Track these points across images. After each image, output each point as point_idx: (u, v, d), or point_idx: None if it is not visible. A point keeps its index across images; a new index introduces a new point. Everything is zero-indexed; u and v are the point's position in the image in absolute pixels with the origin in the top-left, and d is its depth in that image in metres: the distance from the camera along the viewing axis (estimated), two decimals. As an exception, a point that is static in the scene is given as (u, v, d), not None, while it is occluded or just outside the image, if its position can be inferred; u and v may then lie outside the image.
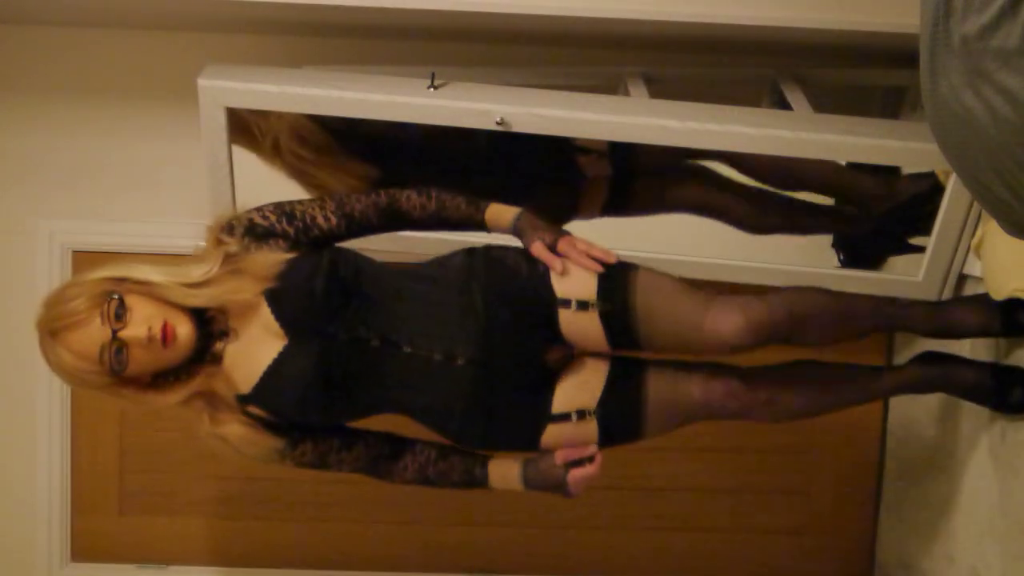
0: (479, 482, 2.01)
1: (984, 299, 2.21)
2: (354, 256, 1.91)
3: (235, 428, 1.85)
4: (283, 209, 1.87)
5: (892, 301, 2.23)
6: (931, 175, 2.45)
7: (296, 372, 1.82)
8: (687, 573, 3.00)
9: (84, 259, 2.82)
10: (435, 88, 2.22)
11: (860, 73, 2.72)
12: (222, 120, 2.22)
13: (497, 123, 2.17)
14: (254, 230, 1.84)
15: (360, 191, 2.29)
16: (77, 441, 2.90)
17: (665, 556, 2.99)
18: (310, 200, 1.90)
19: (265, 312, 1.82)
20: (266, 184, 2.41)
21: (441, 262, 1.97)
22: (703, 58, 2.76)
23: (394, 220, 1.96)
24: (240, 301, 1.80)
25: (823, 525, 2.98)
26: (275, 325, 1.82)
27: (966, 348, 2.32)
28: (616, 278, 1.92)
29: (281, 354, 1.82)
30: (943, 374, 2.20)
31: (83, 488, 2.92)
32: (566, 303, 1.90)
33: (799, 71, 2.57)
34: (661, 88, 2.51)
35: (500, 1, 2.26)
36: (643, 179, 2.54)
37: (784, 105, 2.48)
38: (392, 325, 1.86)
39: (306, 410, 1.85)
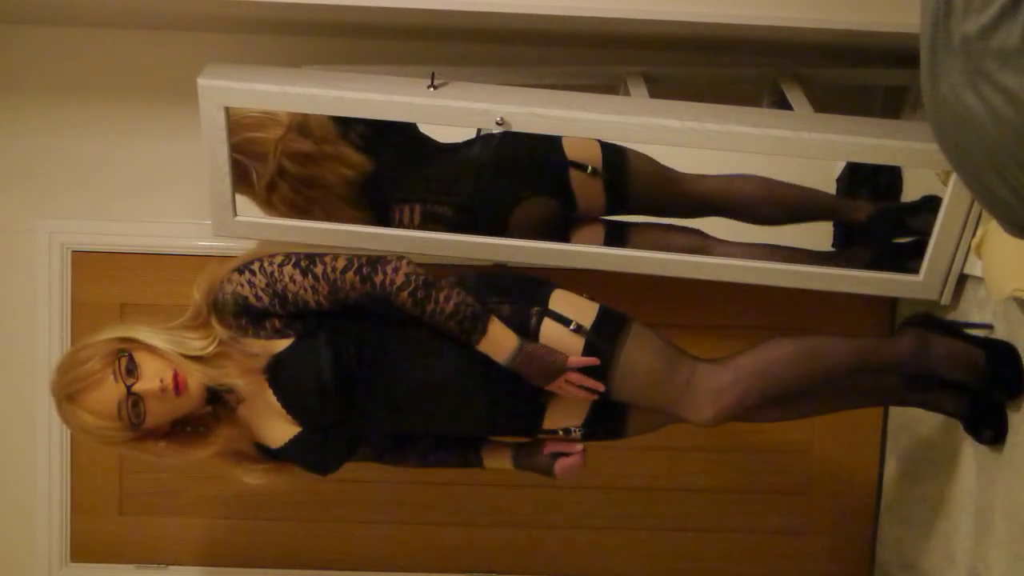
0: (474, 465, 2.15)
1: (972, 362, 2.19)
2: (353, 337, 1.88)
3: (263, 476, 1.99)
4: (276, 290, 1.83)
5: (876, 350, 2.19)
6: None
7: (316, 454, 1.97)
8: (687, 573, 3.00)
9: (84, 259, 2.83)
10: (435, 88, 2.22)
11: (860, 73, 2.72)
12: (222, 120, 2.22)
13: (497, 123, 2.17)
14: (249, 311, 1.84)
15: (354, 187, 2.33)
16: (77, 441, 2.89)
17: (665, 556, 2.99)
18: (302, 280, 1.83)
19: (271, 396, 1.89)
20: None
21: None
22: (703, 58, 2.76)
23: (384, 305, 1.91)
24: (238, 386, 1.85)
25: (823, 525, 2.98)
26: (284, 412, 1.90)
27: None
28: (600, 342, 1.95)
29: (296, 439, 1.93)
30: (924, 400, 2.31)
31: (83, 488, 2.92)
32: None
33: (799, 71, 2.57)
34: (661, 88, 2.51)
35: (500, 1, 2.26)
36: (639, 232, 2.54)
37: (784, 105, 2.48)
38: (399, 397, 1.93)
39: (328, 473, 2.04)
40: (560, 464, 2.05)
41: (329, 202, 2.40)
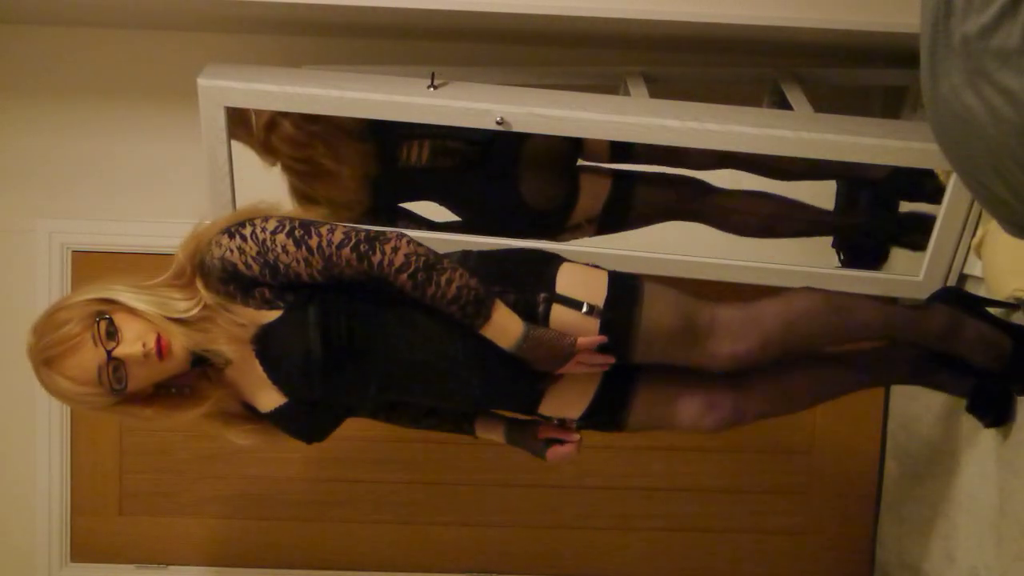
0: (466, 432, 2.10)
1: (998, 349, 2.14)
2: (344, 312, 1.80)
3: (251, 436, 1.93)
4: (267, 260, 1.73)
5: (906, 320, 2.13)
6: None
7: (302, 424, 1.92)
8: (687, 573, 3.00)
9: (84, 259, 2.83)
10: (435, 88, 2.22)
11: (860, 73, 2.72)
12: (222, 120, 2.22)
13: (497, 123, 2.17)
14: (238, 279, 1.76)
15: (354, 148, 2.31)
16: (77, 441, 2.90)
17: (665, 556, 2.99)
18: (295, 251, 1.73)
19: (259, 365, 1.83)
20: (266, 185, 2.41)
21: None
22: (703, 58, 2.76)
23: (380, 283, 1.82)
24: (224, 351, 1.78)
25: (823, 525, 2.98)
26: (271, 383, 1.85)
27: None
28: (617, 316, 1.89)
29: (283, 408, 1.88)
30: (929, 380, 2.26)
31: (83, 488, 2.92)
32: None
33: (799, 71, 2.57)
34: (661, 88, 2.51)
35: (500, 1, 2.26)
36: (642, 188, 2.52)
37: (784, 105, 2.48)
38: (389, 375, 1.86)
39: (312, 442, 1.98)
40: (553, 451, 2.00)
41: (332, 135, 2.34)
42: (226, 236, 1.75)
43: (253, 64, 2.45)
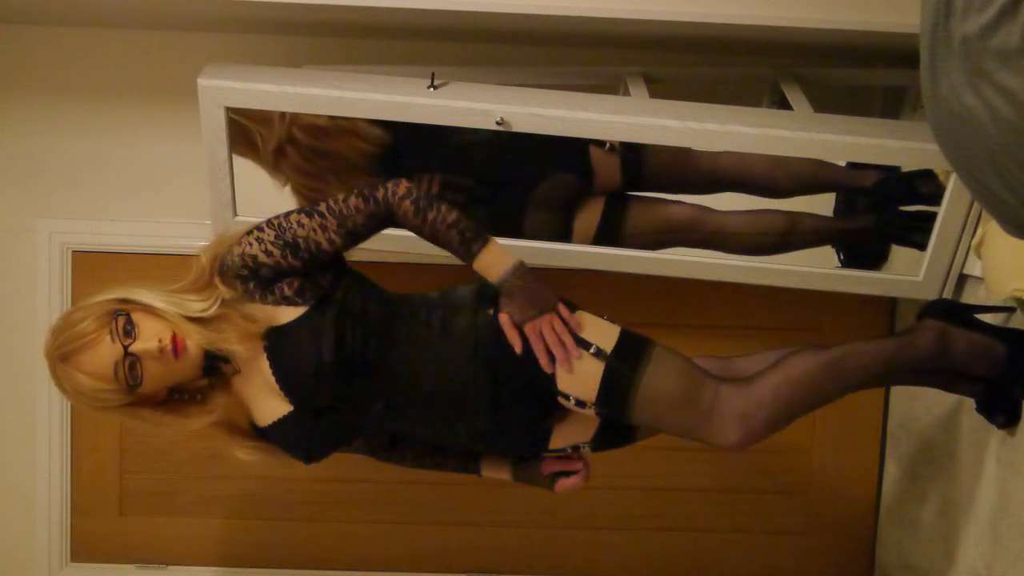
0: (472, 472, 2.11)
1: (993, 356, 2.12)
2: (361, 323, 1.83)
3: (254, 453, 1.95)
4: (286, 240, 1.79)
5: (898, 352, 2.09)
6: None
7: (303, 437, 1.91)
8: (687, 573, 3.00)
9: (84, 259, 2.83)
10: (435, 88, 2.22)
11: (860, 73, 2.72)
12: (222, 120, 2.22)
13: (497, 123, 2.17)
14: (259, 272, 1.80)
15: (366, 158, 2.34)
16: (77, 441, 2.90)
17: (665, 556, 2.99)
18: (309, 221, 1.81)
19: (266, 368, 1.84)
20: (266, 184, 2.41)
21: (445, 320, 1.90)
22: (703, 58, 2.76)
23: (388, 225, 1.89)
24: (236, 351, 1.81)
25: (823, 525, 2.98)
26: (278, 388, 1.85)
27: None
28: (619, 379, 1.88)
29: (285, 418, 1.88)
30: (937, 382, 2.24)
31: (83, 488, 2.92)
32: (565, 397, 1.91)
33: (799, 71, 2.57)
34: (661, 88, 2.51)
35: (500, 1, 2.26)
36: (638, 205, 2.53)
37: (784, 105, 2.48)
38: (398, 393, 1.88)
39: (313, 461, 1.97)
40: (560, 484, 2.03)
41: (343, 170, 2.37)
42: (246, 235, 1.83)
43: (253, 64, 2.45)
